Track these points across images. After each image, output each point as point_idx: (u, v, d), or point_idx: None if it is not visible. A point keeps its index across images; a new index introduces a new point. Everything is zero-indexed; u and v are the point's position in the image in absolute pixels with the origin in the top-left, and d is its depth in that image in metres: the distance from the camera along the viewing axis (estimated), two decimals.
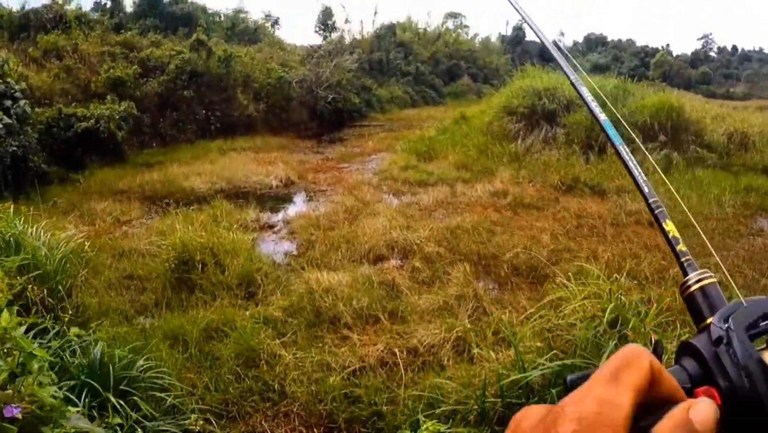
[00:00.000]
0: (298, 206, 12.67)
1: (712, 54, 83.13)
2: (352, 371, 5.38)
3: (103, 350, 4.67)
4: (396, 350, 5.60)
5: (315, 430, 4.71)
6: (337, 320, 6.46)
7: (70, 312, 6.26)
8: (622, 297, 4.51)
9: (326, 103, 30.17)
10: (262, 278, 7.75)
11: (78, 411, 2.98)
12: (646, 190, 0.86)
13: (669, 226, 0.80)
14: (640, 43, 79.62)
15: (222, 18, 46.66)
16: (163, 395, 4.70)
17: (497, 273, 7.91)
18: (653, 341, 0.67)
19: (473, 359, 5.33)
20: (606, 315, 4.21)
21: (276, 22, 51.21)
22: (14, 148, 13.50)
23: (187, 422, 4.58)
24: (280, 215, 12.00)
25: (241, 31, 41.57)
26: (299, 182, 15.58)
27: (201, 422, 4.60)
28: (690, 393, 0.54)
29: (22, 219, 6.92)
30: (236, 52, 26.98)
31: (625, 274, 5.60)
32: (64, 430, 2.51)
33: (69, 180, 15.39)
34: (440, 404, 4.45)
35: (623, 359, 0.49)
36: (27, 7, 26.75)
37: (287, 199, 13.86)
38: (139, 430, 4.09)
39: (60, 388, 3.95)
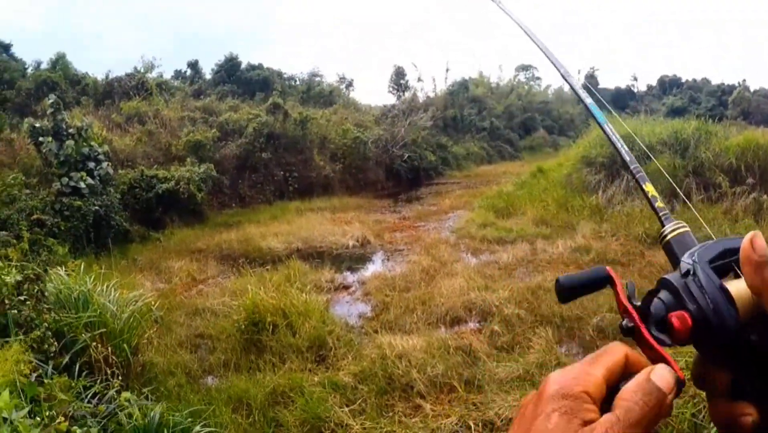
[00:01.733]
0: (373, 266, 12.42)
1: None
2: None
3: (162, 412, 4.48)
4: (471, 423, 5.18)
5: None
6: (409, 388, 6.10)
7: (135, 370, 6.21)
8: None
9: (402, 162, 30.25)
10: (334, 341, 7.49)
11: None
12: (627, 158, 0.97)
13: (648, 187, 0.91)
14: (715, 81, 76.59)
15: (297, 82, 48.08)
16: None
17: (581, 337, 7.37)
18: (627, 283, 0.72)
19: None
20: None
21: (350, 84, 51.76)
22: (97, 207, 14.07)
23: None
24: (356, 276, 11.77)
25: (316, 94, 42.37)
26: (375, 242, 15.38)
27: None
28: (665, 319, 0.63)
29: (93, 276, 6.92)
30: (312, 114, 27.46)
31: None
32: None
33: (149, 238, 15.77)
34: None
35: (603, 349, 0.61)
36: (111, 76, 28.29)
37: (363, 259, 13.65)
38: None
39: None
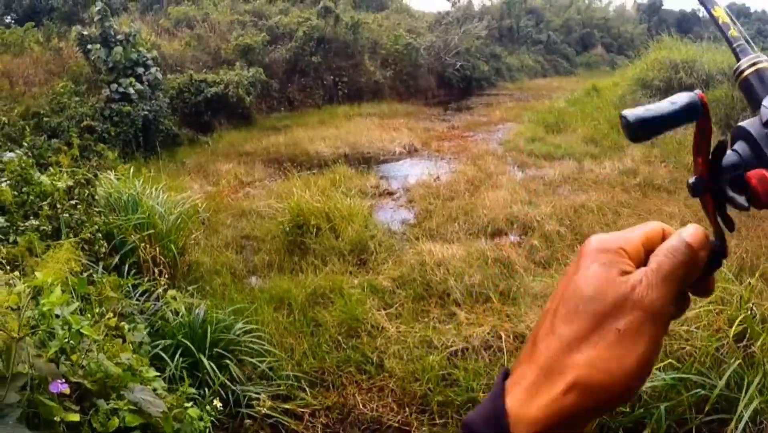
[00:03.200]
0: (419, 174, 12.42)
1: None
2: (454, 351, 5.13)
3: (208, 310, 4.69)
4: (502, 334, 5.28)
5: (407, 409, 4.50)
6: (446, 296, 6.22)
7: (182, 270, 6.45)
8: (754, 307, 3.88)
9: (454, 71, 29.68)
10: (375, 245, 7.62)
11: (156, 376, 2.90)
12: None
13: (718, 12, 0.77)
14: None
15: None
16: (255, 361, 4.65)
17: None
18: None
19: None
20: (733, 328, 3.65)
21: None
22: (146, 112, 14.32)
23: (277, 388, 4.53)
24: (401, 182, 11.80)
25: None
26: (423, 150, 15.33)
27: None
28: (742, 177, 0.56)
29: (142, 180, 7.10)
30: (363, 18, 26.86)
31: (758, 275, 4.91)
32: (126, 401, 2.42)
33: (198, 142, 16.00)
34: None
35: (643, 224, 0.63)
36: None
37: (409, 167, 13.64)
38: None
39: (155, 347, 3.98)
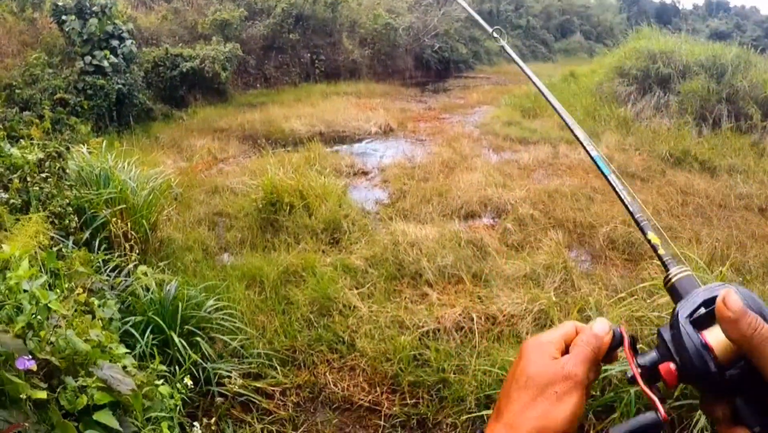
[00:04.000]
0: (394, 154, 12.39)
1: None
2: (426, 331, 5.15)
3: (179, 287, 4.65)
4: (474, 315, 5.31)
5: (378, 389, 4.52)
6: (418, 276, 6.24)
7: (154, 246, 6.39)
8: None
9: (433, 52, 29.61)
10: (349, 225, 7.61)
11: (125, 353, 2.87)
12: (632, 208, 1.01)
13: (651, 236, 0.95)
14: (765, 11, 73.60)
15: None
16: (226, 338, 4.64)
17: (591, 244, 7.39)
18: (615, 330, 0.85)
19: None
20: None
21: None
22: (120, 86, 14.09)
23: (249, 366, 4.52)
24: (376, 162, 11.78)
25: None
26: (399, 130, 15.31)
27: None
28: (656, 370, 0.73)
29: (114, 154, 6.98)
30: None
31: (728, 265, 4.98)
32: (95, 379, 2.39)
33: (172, 117, 15.85)
34: None
35: (559, 326, 0.86)
36: None
37: (385, 147, 13.61)
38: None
39: (125, 324, 3.94)
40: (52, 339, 2.46)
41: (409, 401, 4.39)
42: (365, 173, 11.01)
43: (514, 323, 5.23)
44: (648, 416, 0.73)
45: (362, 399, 4.44)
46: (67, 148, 6.66)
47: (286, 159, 10.13)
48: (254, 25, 22.58)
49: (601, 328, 0.82)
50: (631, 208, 1.04)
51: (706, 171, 10.86)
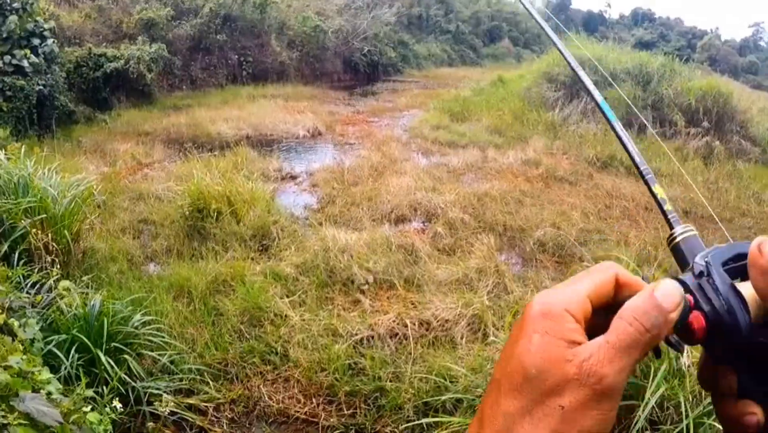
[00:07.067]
0: (323, 158, 12.32)
1: (762, 44, 79.25)
2: (360, 339, 5.11)
3: (104, 301, 4.46)
4: (408, 322, 5.31)
5: (314, 400, 4.46)
6: (350, 282, 6.19)
7: (76, 257, 6.12)
8: None
9: (361, 56, 29.67)
10: (278, 231, 7.51)
11: (50, 378, 2.72)
12: (637, 158, 0.95)
13: (657, 189, 0.91)
14: (688, 23, 77.01)
15: None
16: (155, 354, 4.48)
17: (522, 248, 7.54)
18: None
19: (488, 341, 5.03)
20: None
21: None
22: (41, 87, 13.44)
23: (180, 383, 4.38)
24: (304, 166, 11.68)
25: None
26: (327, 134, 15.27)
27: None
28: (684, 321, 0.61)
29: (34, 160, 6.67)
30: None
31: (656, 265, 5.13)
32: (17, 414, 2.23)
33: (95, 120, 15.32)
34: (447, 390, 4.18)
35: (593, 267, 0.59)
36: None
37: (313, 151, 13.53)
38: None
39: (48, 343, 3.75)
40: None
41: (346, 412, 4.35)
42: (293, 178, 10.92)
43: (448, 328, 5.26)
44: None
45: (298, 411, 4.37)
46: None
47: (213, 164, 9.93)
48: (181, 25, 22.08)
49: (669, 293, 0.55)
50: (636, 159, 0.96)
51: (631, 175, 11.21)
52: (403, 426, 4.11)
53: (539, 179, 10.58)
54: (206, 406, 4.34)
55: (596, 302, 0.56)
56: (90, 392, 3.33)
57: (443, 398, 4.12)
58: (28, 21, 13.94)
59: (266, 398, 4.47)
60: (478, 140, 13.50)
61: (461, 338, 5.12)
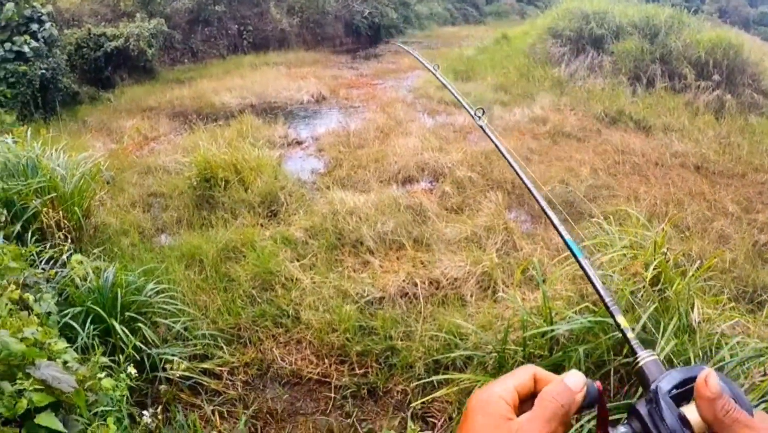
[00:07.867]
0: (328, 123, 12.28)
1: None
2: (370, 300, 5.17)
3: (117, 273, 4.52)
4: (417, 281, 5.36)
5: (326, 361, 4.53)
6: (359, 244, 6.24)
7: (88, 233, 6.18)
8: (667, 252, 3.96)
9: (362, 18, 29.28)
10: (286, 196, 7.54)
11: (66, 348, 2.77)
12: (601, 291, 1.06)
13: (620, 319, 1.01)
14: None
15: None
16: (168, 322, 4.55)
17: (531, 205, 7.49)
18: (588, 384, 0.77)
19: (497, 298, 5.06)
20: (649, 273, 3.71)
21: None
22: (43, 71, 13.42)
23: (194, 348, 4.45)
24: (310, 131, 11.65)
25: None
26: (331, 98, 15.16)
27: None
28: None
29: (41, 142, 6.69)
30: None
31: (667, 221, 5.10)
32: (32, 380, 2.29)
33: (99, 99, 15.25)
34: (457, 348, 4.23)
35: (515, 370, 0.75)
36: None
37: (318, 115, 13.48)
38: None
39: (64, 316, 3.81)
40: None
41: (358, 371, 4.41)
42: (299, 143, 10.89)
43: (458, 287, 5.30)
44: None
45: (311, 372, 4.44)
46: None
47: (219, 134, 9.94)
48: None
49: (574, 381, 0.71)
50: (602, 293, 1.07)
51: (641, 130, 11.13)
52: (414, 384, 4.17)
53: (547, 136, 10.50)
54: (221, 370, 4.43)
55: (521, 394, 0.72)
56: (105, 360, 3.40)
57: (453, 355, 4.17)
58: (26, 7, 13.86)
59: (279, 360, 4.55)
60: (484, 99, 13.34)
61: (471, 296, 5.15)
